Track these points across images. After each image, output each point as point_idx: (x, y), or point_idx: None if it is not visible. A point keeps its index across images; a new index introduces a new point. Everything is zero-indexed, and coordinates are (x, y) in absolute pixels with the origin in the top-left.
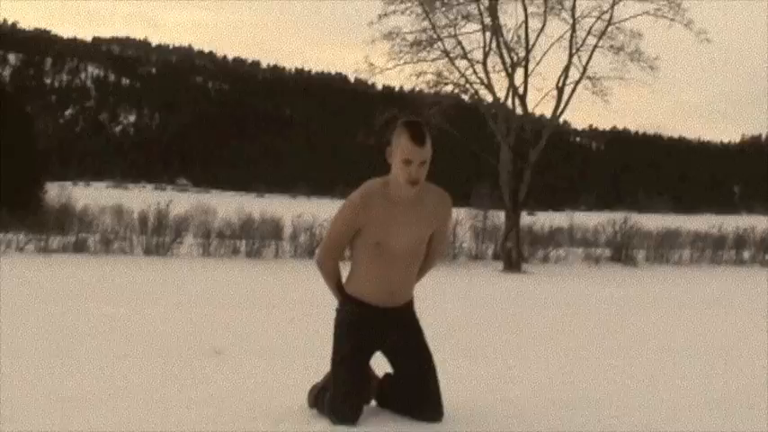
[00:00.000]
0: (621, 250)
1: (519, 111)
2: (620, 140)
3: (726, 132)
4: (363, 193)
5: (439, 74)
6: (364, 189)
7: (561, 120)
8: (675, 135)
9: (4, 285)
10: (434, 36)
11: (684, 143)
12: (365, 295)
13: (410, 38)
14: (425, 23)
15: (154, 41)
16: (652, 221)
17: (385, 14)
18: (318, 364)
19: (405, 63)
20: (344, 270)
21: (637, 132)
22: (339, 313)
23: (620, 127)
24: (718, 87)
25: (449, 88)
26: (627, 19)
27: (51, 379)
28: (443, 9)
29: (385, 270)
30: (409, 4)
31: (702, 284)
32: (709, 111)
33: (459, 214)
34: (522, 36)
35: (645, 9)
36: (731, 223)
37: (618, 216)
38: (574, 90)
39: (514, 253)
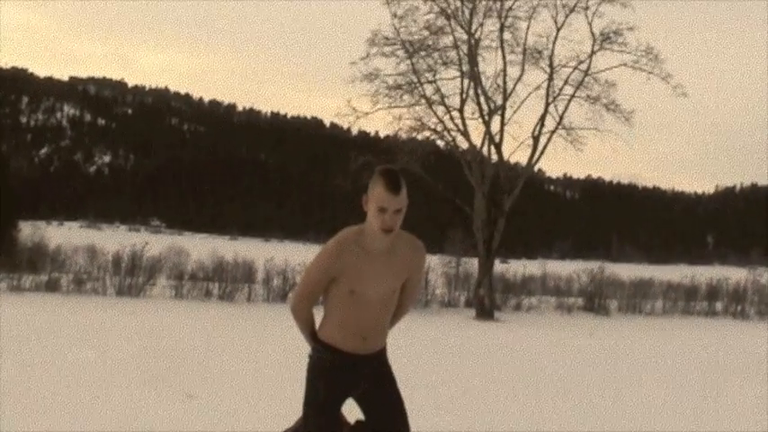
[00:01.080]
0: (594, 299)
1: (494, 158)
2: (594, 189)
3: (700, 183)
4: (339, 241)
5: (418, 119)
6: (340, 237)
7: (536, 168)
8: (650, 185)
9: None
10: (414, 80)
11: (659, 193)
12: (338, 342)
13: (390, 80)
14: (406, 67)
15: (130, 82)
16: (625, 271)
17: (367, 56)
18: (290, 408)
19: (387, 107)
20: (318, 316)
21: (611, 182)
22: (312, 359)
23: (595, 176)
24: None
25: (426, 134)
26: (604, 70)
27: (22, 417)
28: (423, 54)
29: (358, 317)
30: (393, 47)
31: (674, 336)
32: (683, 161)
33: (433, 261)
34: (501, 84)
35: (623, 61)
36: (704, 274)
37: (592, 265)
38: (549, 139)
39: (487, 301)
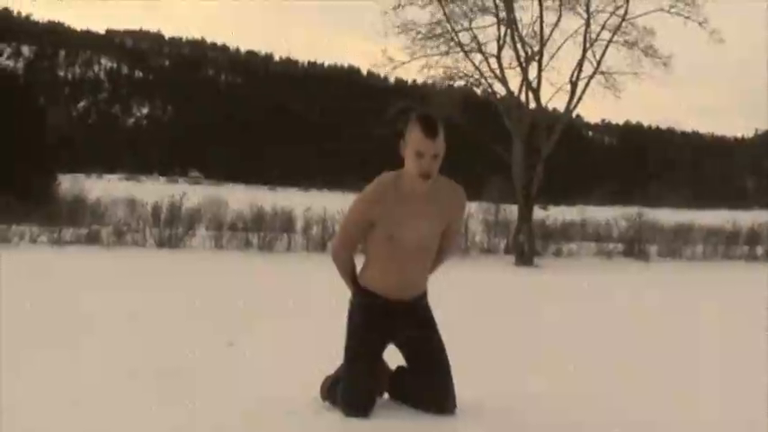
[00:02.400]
0: (634, 245)
1: (532, 104)
2: (632, 135)
3: (739, 127)
4: (377, 186)
5: (454, 67)
6: (378, 183)
7: (574, 114)
8: (689, 130)
9: (17, 276)
10: (449, 29)
11: (697, 138)
12: (378, 288)
13: (425, 30)
14: (440, 16)
15: (167, 34)
16: (665, 216)
17: (399, 5)
18: (331, 356)
19: (421, 56)
20: (359, 262)
21: (650, 126)
22: (353, 305)
23: (633, 121)
24: (731, 82)
25: (462, 82)
26: (641, 15)
27: (65, 370)
28: (459, 1)
29: (398, 263)
30: None
31: (715, 280)
32: (722, 105)
33: (472, 208)
34: (537, 30)
35: (660, 6)
36: (745, 218)
37: (631, 210)
38: (587, 84)
39: (526, 247)
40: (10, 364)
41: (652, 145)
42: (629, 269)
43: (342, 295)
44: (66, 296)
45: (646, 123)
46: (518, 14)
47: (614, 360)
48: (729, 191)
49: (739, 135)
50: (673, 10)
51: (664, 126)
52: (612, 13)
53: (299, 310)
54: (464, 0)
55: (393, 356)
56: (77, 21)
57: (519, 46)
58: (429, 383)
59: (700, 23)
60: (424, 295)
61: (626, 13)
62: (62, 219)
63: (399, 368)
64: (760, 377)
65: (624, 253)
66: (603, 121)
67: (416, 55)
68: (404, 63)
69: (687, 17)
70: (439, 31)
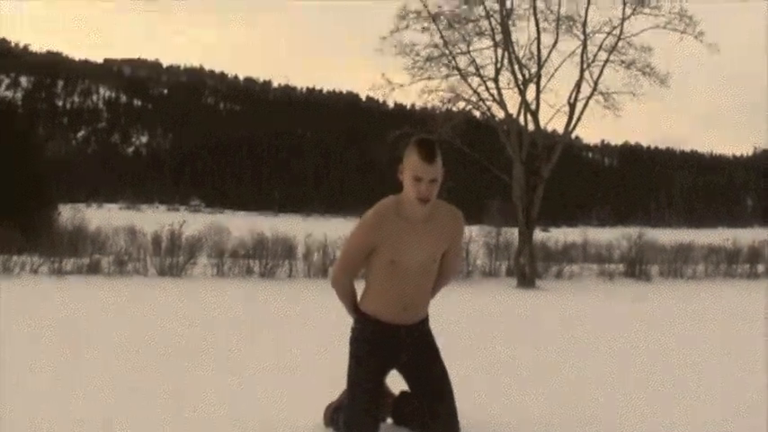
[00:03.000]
0: (635, 265)
1: (531, 126)
2: (632, 155)
3: (738, 145)
4: (377, 211)
5: (452, 90)
6: (378, 208)
7: (573, 135)
8: (687, 149)
9: (18, 307)
10: (447, 52)
11: (697, 157)
12: (380, 313)
13: (423, 53)
14: (438, 39)
15: (165, 62)
16: (665, 236)
17: (397, 30)
18: (334, 382)
19: (420, 79)
20: (359, 288)
21: (649, 147)
22: (354, 331)
23: (633, 142)
24: (729, 100)
25: (461, 105)
26: (637, 33)
27: (65, 399)
28: (457, 25)
29: (399, 288)
30: (424, 22)
31: (717, 299)
32: (720, 123)
33: (472, 231)
34: (535, 52)
35: (655, 23)
36: (745, 236)
37: (631, 231)
38: (585, 105)
39: (528, 269)
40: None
41: (652, 165)
42: (631, 290)
43: (344, 321)
44: (66, 325)
45: (645, 143)
46: (515, 37)
47: (617, 383)
48: (729, 209)
49: (738, 153)
50: (669, 26)
51: (663, 146)
52: (609, 33)
53: (302, 336)
54: (461, 24)
55: (396, 381)
56: (76, 50)
57: (516, 68)
58: (432, 408)
59: (695, 37)
60: (425, 320)
61: (621, 32)
62: (63, 249)
63: (402, 393)
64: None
65: (626, 273)
66: (603, 141)
67: (415, 78)
68: (402, 86)
69: (683, 32)
70: (437, 54)
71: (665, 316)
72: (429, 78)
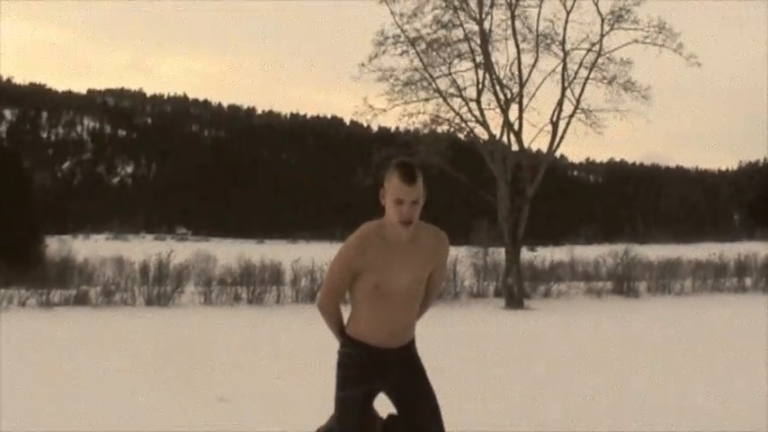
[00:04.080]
0: (623, 282)
1: (515, 147)
2: (617, 172)
3: (723, 159)
4: (360, 236)
5: (434, 113)
6: (360, 232)
7: (558, 154)
8: (673, 165)
9: (6, 341)
10: (427, 75)
11: (682, 172)
12: (366, 336)
13: (403, 77)
14: (417, 63)
15: (148, 92)
16: (653, 252)
17: (375, 56)
18: (322, 407)
19: (403, 103)
20: (346, 312)
21: (634, 163)
22: (341, 355)
23: (618, 159)
24: (712, 114)
25: (444, 127)
26: (616, 49)
27: (56, 425)
28: (435, 48)
29: (385, 311)
30: (401, 46)
31: (705, 315)
32: (705, 138)
33: (459, 252)
34: (516, 72)
35: (634, 37)
36: (732, 250)
37: (618, 248)
38: (568, 123)
39: (516, 289)
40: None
41: (637, 181)
42: (619, 307)
43: (331, 346)
44: (55, 358)
45: (630, 160)
46: (495, 57)
47: (609, 404)
48: (716, 223)
49: (723, 167)
50: (647, 40)
51: (648, 162)
52: (589, 50)
53: (290, 363)
54: (441, 47)
55: (383, 404)
56: (59, 81)
57: (498, 89)
58: (420, 429)
59: (675, 50)
60: (412, 342)
61: (601, 48)
62: (50, 281)
63: (390, 416)
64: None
65: (614, 290)
66: (588, 159)
67: (396, 102)
68: (384, 110)
69: (662, 45)
70: (418, 77)
71: (653, 334)
72: (406, 102)
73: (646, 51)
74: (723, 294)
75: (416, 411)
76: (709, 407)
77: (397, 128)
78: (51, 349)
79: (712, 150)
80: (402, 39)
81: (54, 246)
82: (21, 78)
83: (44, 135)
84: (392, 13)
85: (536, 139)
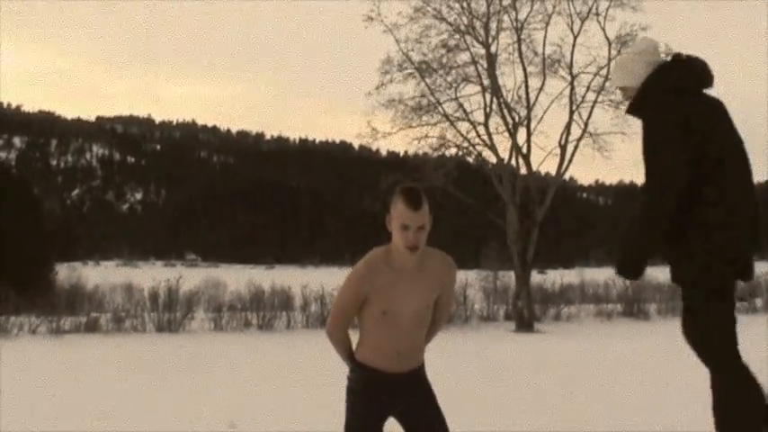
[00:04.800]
0: (633, 305)
1: (523, 170)
2: (627, 194)
3: None
4: (367, 262)
5: (441, 137)
6: (368, 259)
7: (567, 176)
8: None
9: (17, 368)
10: (434, 100)
11: None
12: (374, 362)
13: (411, 103)
14: (424, 88)
15: (157, 118)
16: (663, 274)
17: (382, 84)
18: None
19: (408, 127)
20: (354, 337)
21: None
22: (350, 380)
23: (627, 181)
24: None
25: (452, 151)
26: None
27: None
28: (441, 73)
29: (393, 337)
30: (406, 71)
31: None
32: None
33: (469, 276)
34: (523, 96)
35: None
36: None
37: None
38: (576, 147)
39: (526, 312)
40: None
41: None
42: (630, 329)
43: (341, 371)
44: (65, 383)
45: (639, 182)
46: (502, 81)
47: (619, 428)
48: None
49: None
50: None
51: None
52: (596, 74)
53: (300, 388)
54: (447, 71)
55: (393, 428)
56: (68, 109)
57: (506, 112)
58: None
59: None
60: (421, 367)
61: (608, 71)
62: (60, 308)
63: None
64: None
65: (624, 313)
66: (597, 181)
67: (402, 126)
68: (389, 134)
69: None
70: (425, 102)
71: (664, 356)
72: (410, 127)
73: None
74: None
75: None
76: None
77: (406, 152)
78: (61, 374)
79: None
80: (406, 66)
81: (64, 273)
82: (30, 106)
83: (53, 162)
84: (397, 41)
85: (544, 162)
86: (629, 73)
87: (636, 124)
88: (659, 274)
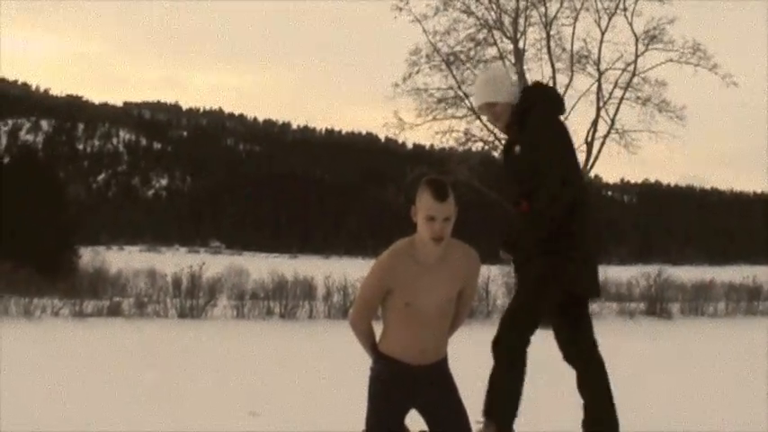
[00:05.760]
0: (656, 304)
1: None
2: (652, 193)
3: (758, 182)
4: (391, 254)
5: (467, 131)
6: (392, 250)
7: (592, 174)
8: (708, 186)
9: (40, 350)
10: (460, 93)
11: (717, 194)
12: (397, 353)
13: (437, 95)
14: (451, 80)
15: (184, 105)
16: (686, 274)
17: (409, 76)
18: (354, 423)
19: (433, 119)
20: (378, 328)
21: (669, 184)
22: (373, 371)
23: (652, 179)
24: (748, 136)
25: (478, 145)
26: (651, 68)
27: None
28: (469, 66)
29: (416, 329)
30: (433, 63)
31: (740, 337)
32: (741, 160)
33: (492, 271)
34: None
35: (669, 57)
36: (766, 273)
37: (651, 269)
38: (603, 144)
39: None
40: None
41: (672, 202)
42: (652, 328)
43: (363, 362)
44: (86, 367)
45: (665, 181)
46: (529, 76)
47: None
48: (750, 246)
49: (759, 190)
50: (682, 60)
51: (683, 184)
52: (623, 70)
53: (321, 378)
54: (474, 65)
55: (416, 420)
56: (95, 94)
57: None
58: None
59: (710, 69)
60: (444, 360)
61: (635, 68)
62: (83, 291)
63: None
64: None
65: (646, 312)
66: (623, 180)
67: (428, 118)
68: (412, 126)
69: (697, 65)
70: (451, 95)
71: (687, 356)
72: (434, 119)
73: (681, 71)
74: (757, 318)
75: (447, 428)
76: None
77: (432, 145)
78: (83, 358)
79: (748, 173)
80: (435, 57)
81: (87, 257)
82: (58, 90)
83: (80, 147)
84: (425, 31)
85: None
86: (500, 89)
87: (662, 122)
88: (682, 273)
